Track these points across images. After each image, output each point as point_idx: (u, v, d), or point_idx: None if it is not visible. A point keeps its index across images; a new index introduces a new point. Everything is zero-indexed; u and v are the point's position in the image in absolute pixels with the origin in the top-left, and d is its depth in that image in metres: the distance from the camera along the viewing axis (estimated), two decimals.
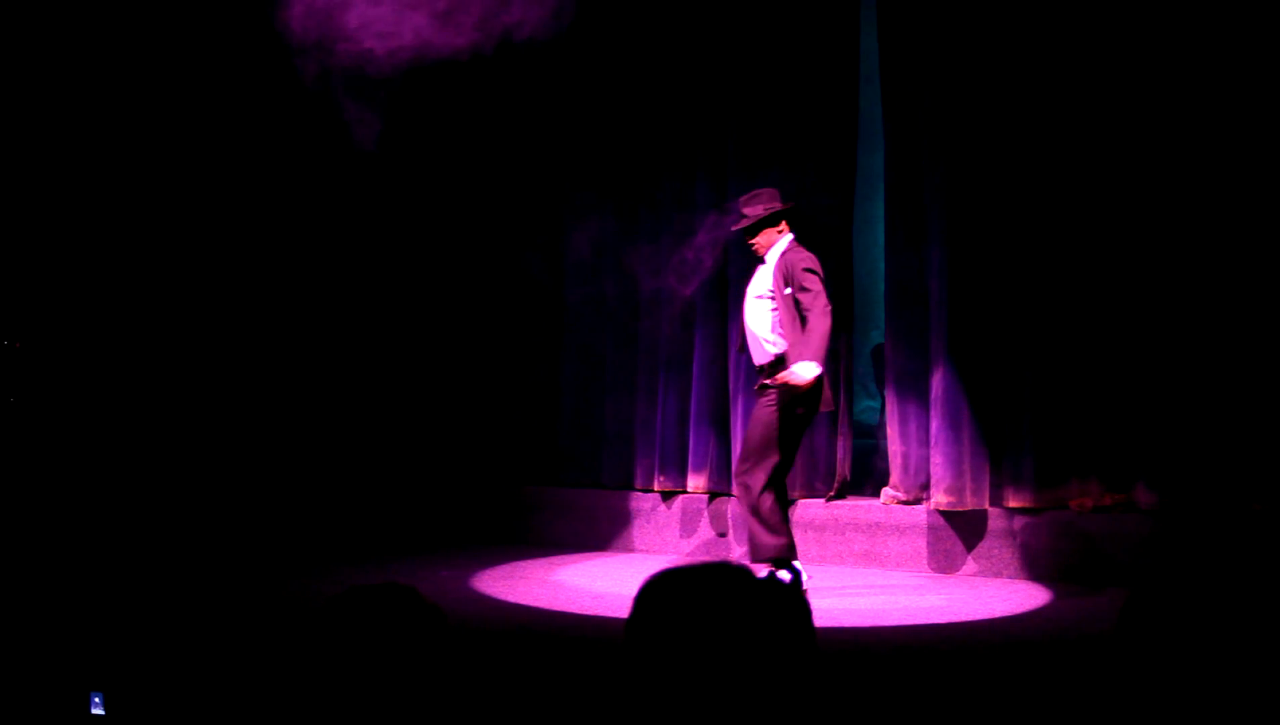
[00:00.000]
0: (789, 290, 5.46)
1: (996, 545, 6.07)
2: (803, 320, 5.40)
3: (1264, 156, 5.54)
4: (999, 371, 6.14)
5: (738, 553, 6.62)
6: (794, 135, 6.77)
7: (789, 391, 5.40)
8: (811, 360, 5.22)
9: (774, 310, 5.55)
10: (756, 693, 1.40)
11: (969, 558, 6.13)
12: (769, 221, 5.64)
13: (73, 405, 7.30)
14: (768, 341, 5.60)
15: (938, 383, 6.19)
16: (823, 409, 5.55)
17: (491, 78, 6.55)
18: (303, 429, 7.77)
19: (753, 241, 5.69)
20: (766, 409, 5.51)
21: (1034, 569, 5.95)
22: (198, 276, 7.60)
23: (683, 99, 7.14)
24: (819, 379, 5.38)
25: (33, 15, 7.00)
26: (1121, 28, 5.85)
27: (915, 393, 6.35)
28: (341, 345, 7.92)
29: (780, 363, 5.49)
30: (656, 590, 1.49)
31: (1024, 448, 6.00)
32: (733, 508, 6.80)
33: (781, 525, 5.48)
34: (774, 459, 5.46)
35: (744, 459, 5.57)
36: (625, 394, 7.36)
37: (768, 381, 5.54)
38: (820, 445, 6.73)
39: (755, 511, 5.47)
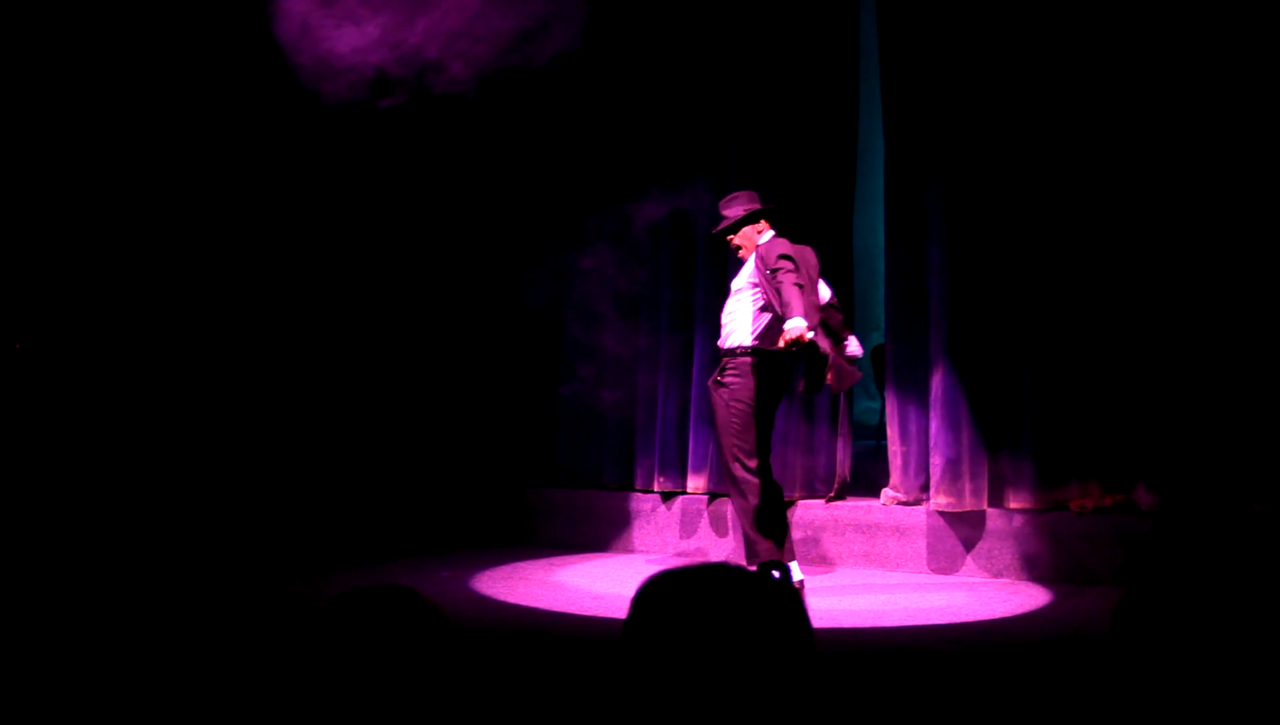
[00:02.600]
0: (769, 272, 5.48)
1: (996, 546, 6.07)
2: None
3: (1263, 159, 5.55)
4: (999, 372, 6.14)
5: (729, 551, 6.62)
6: (794, 137, 6.77)
7: (744, 374, 5.50)
8: (795, 316, 5.21)
9: (754, 300, 5.57)
10: (754, 694, 1.40)
11: (969, 558, 6.13)
12: (748, 221, 5.67)
13: (74, 406, 7.30)
14: (730, 333, 5.64)
15: (937, 383, 6.20)
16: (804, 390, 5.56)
17: (506, 94, 6.52)
18: (305, 431, 7.78)
19: (734, 241, 5.71)
20: (718, 400, 5.57)
21: (1034, 569, 5.95)
22: (203, 279, 7.61)
23: (683, 105, 7.12)
24: (775, 359, 5.45)
25: (37, 15, 7.01)
26: (1122, 29, 5.85)
27: (915, 393, 6.36)
28: (344, 349, 7.92)
29: (733, 353, 5.57)
30: (654, 592, 1.49)
31: (1024, 448, 6.00)
32: (731, 509, 6.80)
33: (767, 527, 5.48)
34: (737, 448, 5.49)
35: (718, 457, 5.63)
36: (625, 395, 7.36)
37: (718, 374, 5.62)
38: (820, 445, 6.73)
39: (740, 511, 5.53)
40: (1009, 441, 6.08)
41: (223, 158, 7.54)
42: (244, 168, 7.60)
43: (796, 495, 6.62)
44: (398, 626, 1.67)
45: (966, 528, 6.14)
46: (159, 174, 7.44)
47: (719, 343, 5.70)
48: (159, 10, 7.14)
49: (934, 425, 6.17)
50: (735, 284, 5.72)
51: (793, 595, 1.50)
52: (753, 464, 5.47)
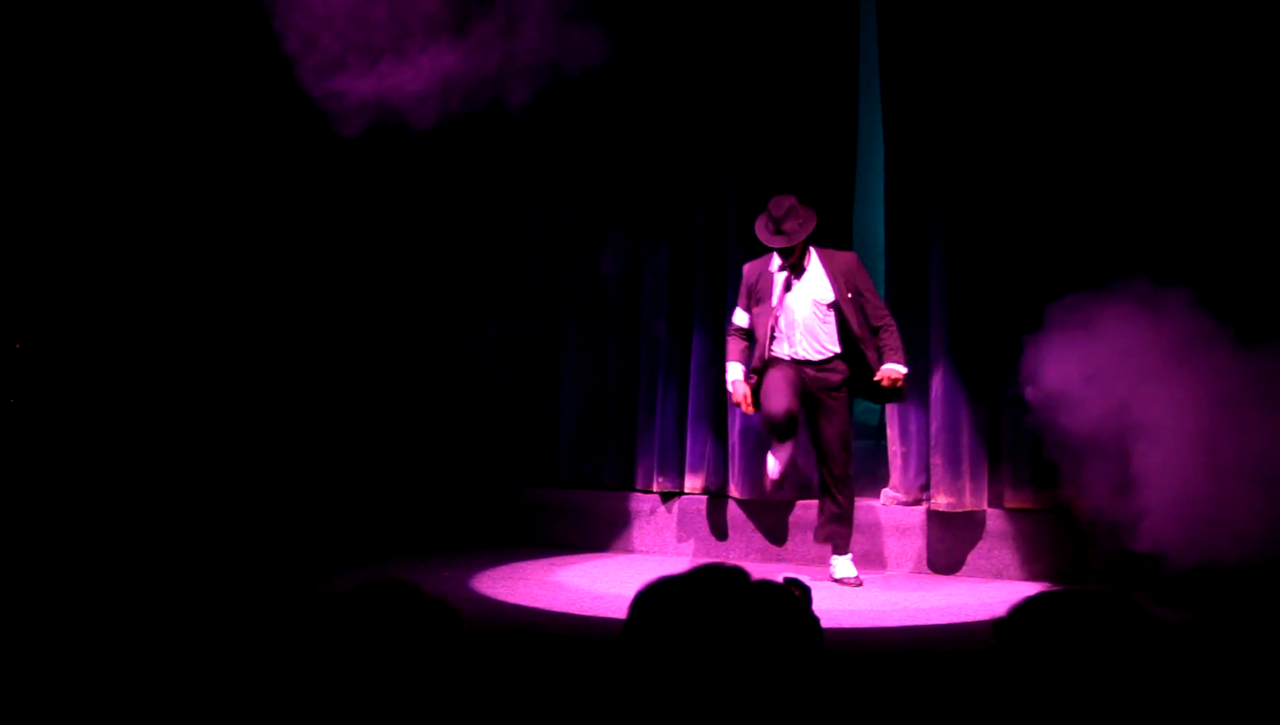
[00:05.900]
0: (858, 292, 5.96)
1: (996, 546, 6.08)
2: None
3: (1261, 160, 5.55)
4: (999, 371, 6.14)
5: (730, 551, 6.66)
6: (793, 137, 6.75)
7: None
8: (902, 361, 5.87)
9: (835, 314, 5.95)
10: (755, 698, 1.40)
11: (969, 558, 6.13)
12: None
13: (76, 407, 7.30)
14: (827, 341, 5.97)
15: (938, 383, 6.20)
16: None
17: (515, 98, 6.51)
18: (303, 431, 7.77)
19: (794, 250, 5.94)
20: (838, 406, 5.99)
21: (1034, 569, 5.95)
22: (204, 279, 7.61)
23: (681, 105, 7.07)
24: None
25: (33, 15, 7.01)
26: (1123, 29, 5.85)
27: (915, 393, 6.35)
28: (342, 347, 7.92)
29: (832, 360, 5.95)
30: (651, 600, 1.48)
31: (1024, 448, 6.00)
32: (732, 508, 6.82)
33: None
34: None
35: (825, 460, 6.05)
36: (625, 395, 7.35)
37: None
38: None
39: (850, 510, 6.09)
40: (1009, 441, 6.08)
41: (227, 160, 7.54)
42: (249, 172, 7.59)
43: (794, 495, 6.61)
44: (405, 620, 1.67)
45: (966, 528, 6.14)
46: (160, 179, 7.45)
47: (816, 351, 5.85)
48: (150, 18, 7.16)
49: (934, 425, 6.17)
50: (816, 294, 5.83)
51: (797, 598, 1.50)
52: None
